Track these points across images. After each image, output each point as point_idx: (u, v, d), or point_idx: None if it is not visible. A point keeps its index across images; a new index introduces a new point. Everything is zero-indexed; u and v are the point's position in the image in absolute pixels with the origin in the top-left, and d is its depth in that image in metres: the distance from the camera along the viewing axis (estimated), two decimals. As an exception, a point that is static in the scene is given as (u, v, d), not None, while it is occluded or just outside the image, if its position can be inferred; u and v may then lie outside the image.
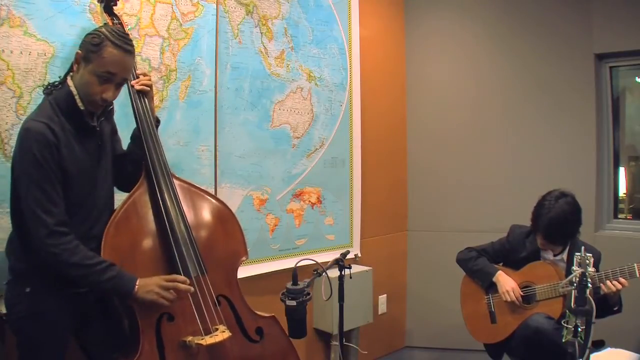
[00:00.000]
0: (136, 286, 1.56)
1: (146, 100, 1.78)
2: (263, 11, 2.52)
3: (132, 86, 1.76)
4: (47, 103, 1.55)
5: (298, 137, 2.69)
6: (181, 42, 2.19)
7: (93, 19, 1.90)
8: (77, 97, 1.54)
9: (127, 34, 1.61)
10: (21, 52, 1.75)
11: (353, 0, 2.95)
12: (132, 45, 1.59)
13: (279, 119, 2.60)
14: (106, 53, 1.51)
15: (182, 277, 1.65)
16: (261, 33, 2.51)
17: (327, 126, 2.84)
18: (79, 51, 1.54)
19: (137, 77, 1.78)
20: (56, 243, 1.46)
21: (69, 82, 1.56)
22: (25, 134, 1.47)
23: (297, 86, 2.68)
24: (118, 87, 1.59)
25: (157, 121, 1.86)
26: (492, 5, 3.29)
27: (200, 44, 2.26)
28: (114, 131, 1.81)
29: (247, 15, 2.45)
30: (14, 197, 1.54)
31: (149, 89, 1.79)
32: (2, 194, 1.70)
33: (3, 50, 1.71)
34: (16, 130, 1.72)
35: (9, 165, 1.71)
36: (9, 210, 1.69)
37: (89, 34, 1.55)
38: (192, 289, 1.66)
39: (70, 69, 1.59)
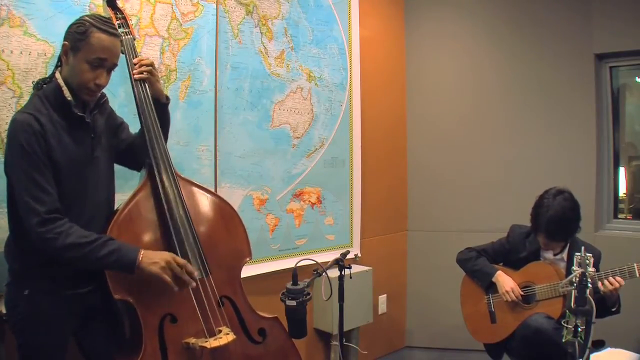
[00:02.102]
0: (140, 256, 1.52)
1: (146, 86, 1.74)
2: (263, 11, 2.52)
3: (133, 75, 1.72)
4: (36, 97, 1.54)
5: (298, 137, 2.69)
6: (181, 42, 2.19)
7: (93, 19, 1.90)
8: (64, 88, 1.53)
9: (110, 19, 1.60)
10: (21, 52, 1.75)
11: (353, 0, 2.95)
12: (117, 29, 1.59)
13: (279, 119, 2.60)
14: (94, 39, 1.51)
15: (190, 267, 1.61)
16: (261, 33, 2.51)
17: (327, 126, 2.84)
18: (66, 42, 1.53)
19: (135, 65, 1.74)
20: (49, 229, 1.44)
21: (57, 75, 1.55)
22: (12, 126, 1.47)
23: (297, 86, 2.68)
24: (109, 72, 1.58)
25: (167, 99, 1.82)
26: (492, 5, 3.29)
27: (200, 44, 2.26)
28: (117, 123, 1.78)
29: (247, 15, 2.45)
30: (9, 195, 1.54)
31: (147, 75, 1.74)
32: (2, 194, 1.70)
33: (3, 50, 1.71)
34: (16, 131, 1.73)
35: (9, 165, 1.72)
36: (8, 210, 1.70)
37: (73, 23, 1.55)
38: (193, 283, 1.63)
39: (59, 63, 1.59)
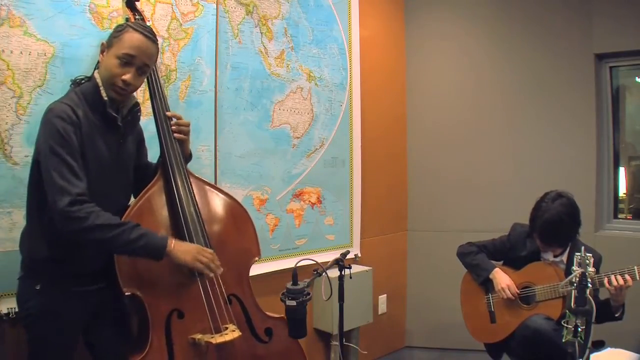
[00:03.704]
0: (172, 243, 1.55)
1: (164, 90, 1.80)
2: (263, 11, 2.52)
3: (168, 130, 1.77)
4: (73, 92, 1.57)
5: (298, 137, 2.69)
6: (181, 42, 2.19)
7: (93, 19, 1.91)
8: (101, 87, 1.56)
9: (149, 27, 1.64)
10: (21, 52, 1.75)
11: (353, 0, 2.95)
12: (154, 35, 1.62)
13: (279, 119, 2.60)
14: (126, 36, 1.56)
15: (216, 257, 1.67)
16: (261, 33, 2.51)
17: (327, 126, 2.84)
18: (103, 42, 1.59)
19: (171, 119, 1.79)
20: (80, 208, 1.43)
21: (96, 74, 1.59)
22: (49, 113, 1.49)
23: (297, 86, 2.68)
24: (140, 72, 1.60)
25: (191, 156, 1.89)
26: (492, 5, 3.29)
27: (200, 44, 2.26)
28: (141, 140, 1.83)
29: (247, 15, 2.45)
30: (34, 184, 1.54)
31: (186, 137, 1.81)
32: (2, 194, 1.70)
33: (3, 50, 1.71)
34: (17, 130, 1.73)
35: (9, 165, 1.72)
36: (9, 210, 1.70)
37: (115, 26, 1.64)
38: (220, 269, 1.67)
39: (97, 64, 1.62)
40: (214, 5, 2.31)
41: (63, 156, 1.45)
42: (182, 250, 1.58)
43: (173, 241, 1.57)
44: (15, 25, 1.73)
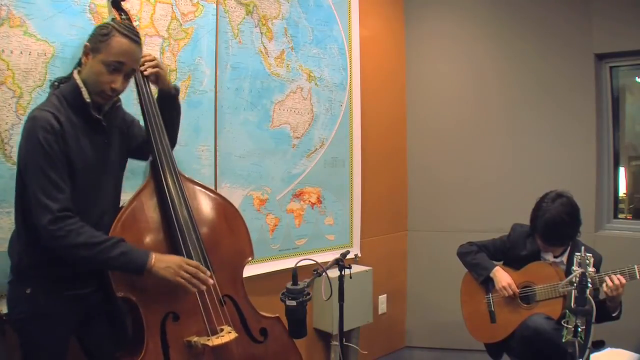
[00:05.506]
0: (152, 259, 1.53)
1: (150, 86, 1.76)
2: (263, 11, 2.52)
3: (141, 73, 1.74)
4: (54, 96, 1.55)
5: (298, 137, 2.69)
6: (181, 42, 2.19)
7: (93, 19, 1.91)
8: (83, 89, 1.53)
9: (134, 27, 1.61)
10: (21, 52, 1.75)
11: (353, 0, 2.95)
12: (139, 36, 1.60)
13: (279, 119, 2.60)
14: (114, 42, 1.52)
15: (203, 267, 1.64)
16: (261, 33, 2.51)
17: (327, 126, 2.84)
18: (87, 43, 1.55)
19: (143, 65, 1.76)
20: (60, 226, 1.43)
21: (75, 75, 1.56)
22: (31, 122, 1.47)
23: (297, 86, 2.68)
24: (127, 77, 1.58)
25: (177, 90, 1.85)
26: (492, 5, 3.29)
27: (200, 44, 2.26)
28: (128, 123, 1.79)
29: (247, 15, 2.45)
30: (19, 190, 1.53)
31: (157, 69, 1.76)
32: (2, 194, 1.70)
33: (3, 50, 1.71)
34: (16, 130, 1.73)
35: (9, 165, 1.72)
36: (9, 210, 1.70)
37: (98, 26, 1.58)
38: (211, 280, 1.65)
39: (79, 64, 1.60)
40: (214, 5, 2.31)
41: (45, 171, 1.43)
42: (163, 266, 1.55)
43: (154, 257, 1.54)
44: (15, 25, 1.73)
